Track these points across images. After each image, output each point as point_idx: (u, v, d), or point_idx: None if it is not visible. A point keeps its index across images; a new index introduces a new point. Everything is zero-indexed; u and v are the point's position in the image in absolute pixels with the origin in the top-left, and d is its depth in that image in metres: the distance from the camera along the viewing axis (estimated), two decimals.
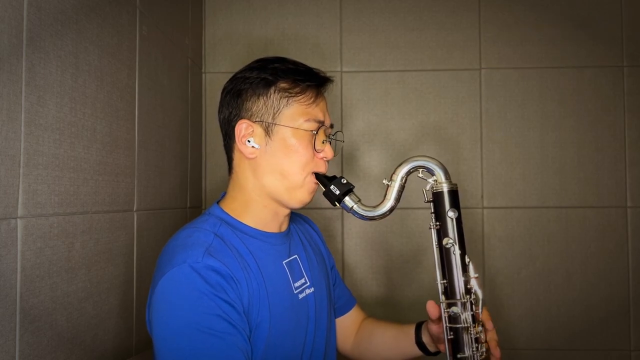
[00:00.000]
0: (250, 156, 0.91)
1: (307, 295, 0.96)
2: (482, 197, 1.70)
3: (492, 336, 0.89)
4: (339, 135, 1.00)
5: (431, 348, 1.02)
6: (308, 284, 0.98)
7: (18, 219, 0.78)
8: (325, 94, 0.97)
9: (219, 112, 0.97)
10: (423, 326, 1.04)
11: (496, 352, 0.88)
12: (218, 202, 0.97)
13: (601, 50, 1.69)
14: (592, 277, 1.67)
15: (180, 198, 1.52)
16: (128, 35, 1.15)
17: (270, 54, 1.01)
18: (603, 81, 1.69)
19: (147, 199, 1.25)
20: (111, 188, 1.06)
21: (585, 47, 1.69)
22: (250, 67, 0.94)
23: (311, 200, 0.95)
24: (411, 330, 1.05)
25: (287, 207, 0.96)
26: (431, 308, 0.91)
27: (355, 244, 1.72)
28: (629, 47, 1.68)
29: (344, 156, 1.73)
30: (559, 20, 1.70)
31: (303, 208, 0.96)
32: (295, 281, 0.95)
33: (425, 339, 1.02)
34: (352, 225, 1.72)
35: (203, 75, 1.76)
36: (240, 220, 0.92)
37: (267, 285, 0.88)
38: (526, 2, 1.71)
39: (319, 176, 0.93)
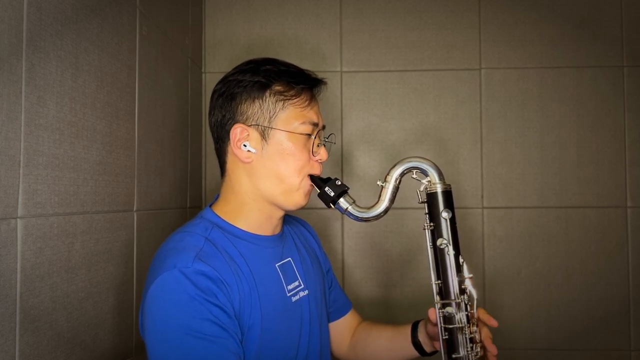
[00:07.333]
0: (246, 160, 0.91)
1: (301, 298, 0.96)
2: (482, 197, 1.70)
3: (486, 333, 0.89)
4: (332, 138, 1.00)
5: (427, 347, 1.02)
6: (302, 286, 0.98)
7: (18, 219, 0.78)
8: (321, 96, 0.97)
9: (210, 114, 0.96)
10: (419, 325, 1.04)
11: (492, 348, 0.88)
12: (211, 205, 0.97)
13: (601, 50, 1.69)
14: (592, 277, 1.67)
15: (180, 198, 1.52)
16: (128, 35, 1.15)
17: (271, 54, 1.01)
18: (603, 81, 1.69)
19: (147, 199, 1.25)
20: (111, 188, 1.06)
21: (585, 47, 1.69)
22: (241, 70, 0.93)
23: (307, 203, 0.95)
24: (407, 330, 1.05)
25: (282, 210, 0.96)
26: (432, 314, 0.92)
27: (356, 244, 1.72)
28: (629, 47, 1.68)
29: (343, 156, 1.73)
30: (559, 20, 1.70)
31: (299, 210, 0.96)
32: (288, 284, 0.94)
33: (422, 338, 1.02)
34: (352, 226, 1.72)
35: (203, 75, 1.76)
36: (233, 224, 0.92)
37: (258, 288, 0.88)
38: (526, 2, 1.71)
39: (313, 178, 0.93)
